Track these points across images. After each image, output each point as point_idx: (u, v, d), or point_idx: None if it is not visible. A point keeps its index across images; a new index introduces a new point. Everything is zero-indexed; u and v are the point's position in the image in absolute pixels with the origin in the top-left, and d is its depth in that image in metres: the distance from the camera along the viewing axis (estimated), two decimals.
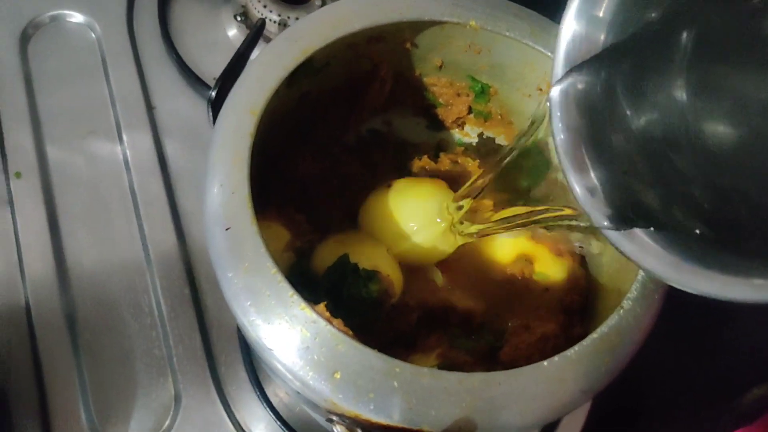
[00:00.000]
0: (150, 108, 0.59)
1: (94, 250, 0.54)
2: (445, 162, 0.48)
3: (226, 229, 0.32)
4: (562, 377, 0.32)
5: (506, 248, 0.44)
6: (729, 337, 0.57)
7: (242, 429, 0.50)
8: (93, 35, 0.61)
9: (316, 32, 0.38)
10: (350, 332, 0.32)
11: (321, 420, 0.50)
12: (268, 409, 0.50)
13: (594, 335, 0.32)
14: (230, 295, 0.32)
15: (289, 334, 0.31)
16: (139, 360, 0.52)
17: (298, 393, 0.33)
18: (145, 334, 0.52)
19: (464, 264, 0.44)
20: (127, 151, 0.57)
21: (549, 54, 0.41)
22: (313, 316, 0.31)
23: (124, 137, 0.58)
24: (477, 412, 0.31)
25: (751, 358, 0.59)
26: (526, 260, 0.43)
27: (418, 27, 0.42)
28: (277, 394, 0.51)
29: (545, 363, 0.32)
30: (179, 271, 0.54)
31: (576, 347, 0.32)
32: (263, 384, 0.51)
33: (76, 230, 0.55)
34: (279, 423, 0.50)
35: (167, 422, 0.50)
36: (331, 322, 0.31)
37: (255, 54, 0.50)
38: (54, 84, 0.59)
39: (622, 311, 0.33)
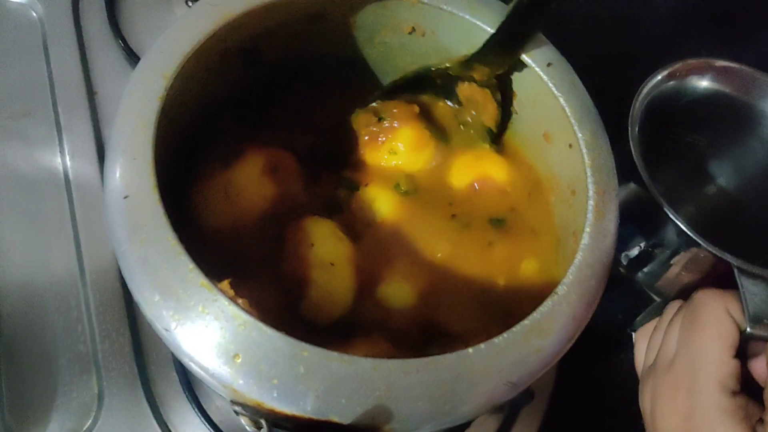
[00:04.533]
0: (91, 93, 0.57)
1: (21, 238, 0.51)
2: None
3: (124, 198, 0.30)
4: (486, 367, 0.29)
5: None
6: None
7: (169, 430, 0.46)
8: (35, 14, 0.59)
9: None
10: (255, 313, 0.29)
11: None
12: (197, 410, 0.47)
13: (525, 321, 0.30)
14: (125, 268, 0.29)
15: (188, 313, 0.28)
16: (61, 356, 0.48)
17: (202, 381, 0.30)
18: (69, 328, 0.49)
19: None
20: (64, 136, 0.55)
21: (489, 29, 0.39)
22: (214, 293, 0.28)
23: (62, 121, 0.55)
24: (392, 402, 0.28)
25: None
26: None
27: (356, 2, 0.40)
28: (210, 396, 0.48)
29: (470, 350, 0.29)
30: (111, 263, 0.51)
31: (504, 334, 0.29)
32: (193, 385, 0.48)
33: (3, 217, 0.51)
34: (209, 426, 0.46)
35: (88, 422, 0.46)
36: (235, 301, 0.28)
37: None
38: None
39: (555, 297, 0.30)
